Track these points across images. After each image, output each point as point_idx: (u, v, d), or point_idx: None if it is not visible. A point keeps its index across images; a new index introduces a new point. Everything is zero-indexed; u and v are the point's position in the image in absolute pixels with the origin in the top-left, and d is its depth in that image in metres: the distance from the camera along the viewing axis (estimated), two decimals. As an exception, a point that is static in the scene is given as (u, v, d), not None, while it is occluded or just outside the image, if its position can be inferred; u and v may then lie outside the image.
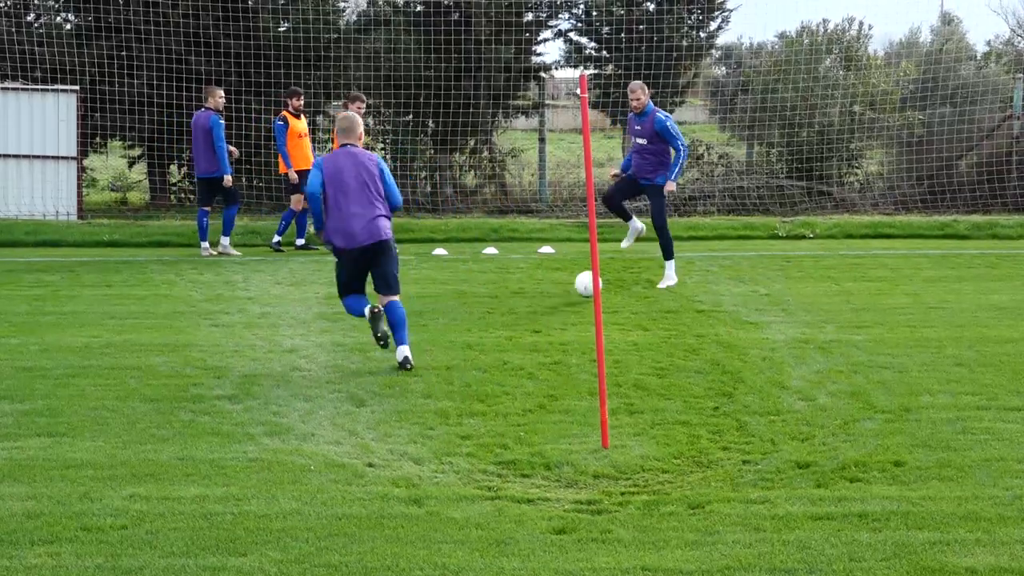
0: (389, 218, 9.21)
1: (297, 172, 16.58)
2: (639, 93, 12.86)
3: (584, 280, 12.27)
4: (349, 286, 9.35)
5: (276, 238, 16.98)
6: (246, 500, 6.10)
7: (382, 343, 9.15)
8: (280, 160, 16.80)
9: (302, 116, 17.04)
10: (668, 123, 12.74)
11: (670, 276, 13.14)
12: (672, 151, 12.84)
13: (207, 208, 16.61)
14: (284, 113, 16.73)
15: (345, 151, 9.22)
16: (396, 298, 9.21)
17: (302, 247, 17.02)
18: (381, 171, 9.20)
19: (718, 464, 6.71)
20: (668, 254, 13.14)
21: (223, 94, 16.75)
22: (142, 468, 6.63)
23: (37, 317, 11.33)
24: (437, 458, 6.85)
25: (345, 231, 9.05)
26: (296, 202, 16.78)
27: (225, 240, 16.69)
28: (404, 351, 9.04)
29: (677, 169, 12.82)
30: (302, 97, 17.12)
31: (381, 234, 9.08)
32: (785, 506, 5.95)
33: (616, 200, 13.49)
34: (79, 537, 5.58)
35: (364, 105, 16.95)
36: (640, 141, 12.90)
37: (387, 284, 9.20)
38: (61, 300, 12.34)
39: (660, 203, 13.00)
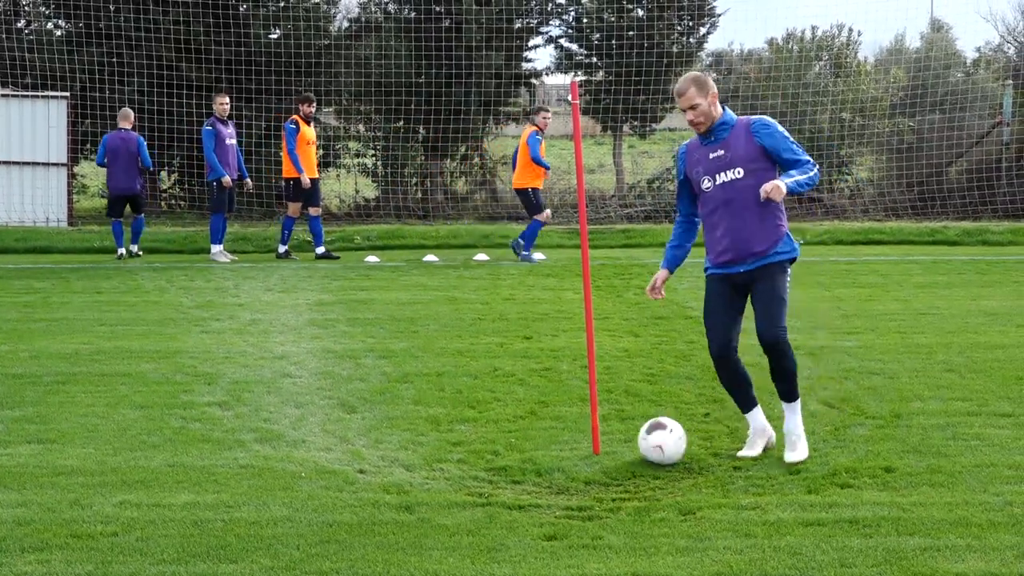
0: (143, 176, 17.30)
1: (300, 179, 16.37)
2: (694, 96, 6.61)
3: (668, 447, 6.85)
4: (117, 208, 16.83)
5: (282, 247, 16.86)
6: (237, 507, 6.08)
7: (132, 255, 16.83)
8: (287, 164, 16.50)
9: (311, 123, 16.84)
10: (776, 125, 6.79)
11: (801, 444, 6.93)
12: (795, 173, 6.62)
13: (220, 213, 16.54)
14: (296, 117, 16.49)
15: (119, 134, 16.58)
16: (141, 216, 17.18)
17: (283, 256, 16.87)
18: (140, 146, 16.67)
19: (709, 470, 6.71)
20: (792, 390, 6.90)
21: (222, 100, 16.57)
22: (133, 475, 6.61)
23: (27, 324, 11.30)
24: (428, 464, 6.85)
25: (118, 184, 16.70)
26: (294, 209, 16.65)
27: (216, 247, 16.67)
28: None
29: (807, 180, 6.63)
30: (314, 104, 16.87)
31: (136, 188, 16.85)
32: (776, 512, 5.95)
33: (734, 352, 6.88)
34: (69, 544, 5.56)
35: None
36: (727, 177, 6.69)
37: (139, 208, 16.99)
38: (51, 307, 12.32)
39: (782, 287, 6.75)
